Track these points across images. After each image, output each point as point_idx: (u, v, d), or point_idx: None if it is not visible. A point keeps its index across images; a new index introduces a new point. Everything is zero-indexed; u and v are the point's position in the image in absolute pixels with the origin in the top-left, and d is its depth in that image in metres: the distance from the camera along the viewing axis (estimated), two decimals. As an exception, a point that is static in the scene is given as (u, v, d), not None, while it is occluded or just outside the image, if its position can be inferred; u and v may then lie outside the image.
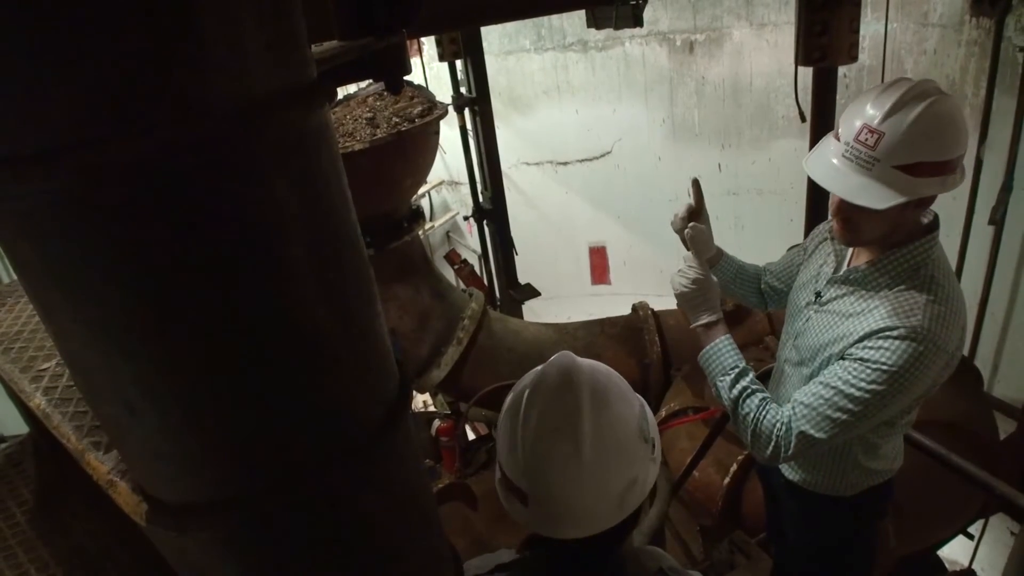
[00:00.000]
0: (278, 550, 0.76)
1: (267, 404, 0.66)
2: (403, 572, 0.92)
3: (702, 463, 2.87)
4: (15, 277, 1.38)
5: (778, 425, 1.61)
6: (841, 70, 2.95)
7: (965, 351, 2.64)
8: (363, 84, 3.34)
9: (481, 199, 5.04)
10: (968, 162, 4.13)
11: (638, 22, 3.09)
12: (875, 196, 1.45)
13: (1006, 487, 1.92)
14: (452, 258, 4.91)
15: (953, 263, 4.36)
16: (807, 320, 1.75)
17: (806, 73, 2.90)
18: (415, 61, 5.59)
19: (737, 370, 1.71)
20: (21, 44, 0.47)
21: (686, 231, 1.93)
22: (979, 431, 2.81)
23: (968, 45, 4.66)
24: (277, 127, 0.59)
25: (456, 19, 2.77)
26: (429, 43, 6.15)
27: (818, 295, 1.74)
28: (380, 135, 2.95)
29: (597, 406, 1.06)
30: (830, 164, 1.52)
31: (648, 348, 3.65)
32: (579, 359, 1.13)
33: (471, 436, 3.98)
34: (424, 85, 3.61)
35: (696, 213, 1.96)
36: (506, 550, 1.28)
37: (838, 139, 1.51)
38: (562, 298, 7.43)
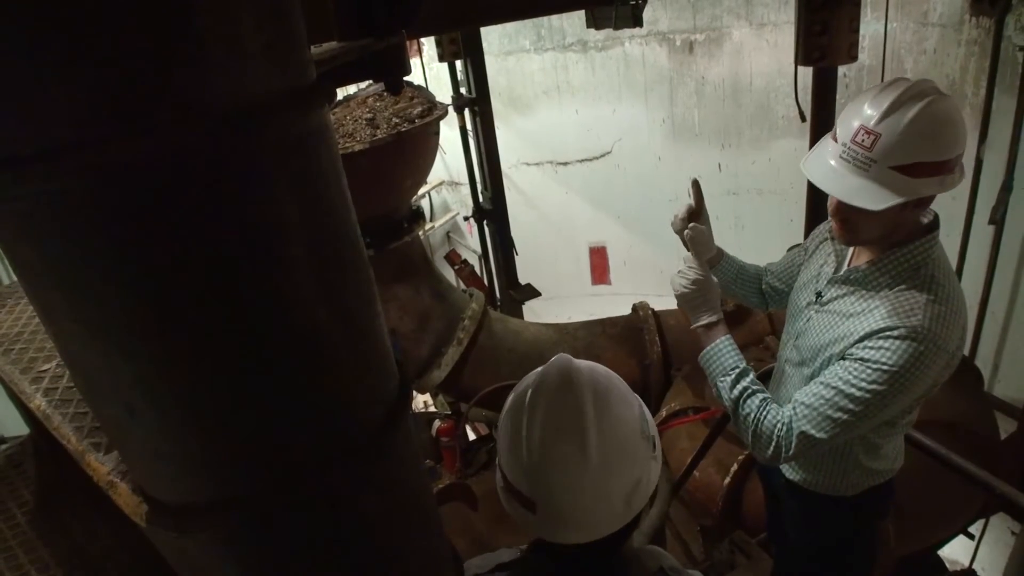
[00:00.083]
0: (278, 550, 0.76)
1: (267, 404, 0.66)
2: (403, 572, 0.92)
3: (703, 463, 2.87)
4: (15, 278, 1.38)
5: (779, 425, 1.61)
6: (841, 70, 2.96)
7: (966, 351, 2.64)
8: (363, 85, 3.34)
9: (481, 199, 5.04)
10: (968, 162, 4.13)
11: (638, 22, 3.08)
12: (872, 197, 1.45)
13: (1006, 487, 1.92)
14: (452, 258, 4.91)
15: (953, 263, 4.36)
16: (808, 320, 1.75)
17: (806, 73, 2.90)
18: (415, 62, 5.59)
19: (738, 370, 1.71)
20: (21, 45, 0.47)
21: (686, 232, 1.93)
22: (980, 431, 2.81)
23: (968, 44, 4.66)
24: (277, 128, 0.59)
25: (456, 19, 2.77)
26: (429, 43, 6.16)
27: (819, 295, 1.74)
28: (380, 136, 2.96)
29: (600, 409, 1.06)
30: (828, 165, 1.52)
31: (648, 348, 3.65)
32: (577, 361, 1.13)
33: (471, 436, 3.98)
34: (424, 86, 3.61)
35: (696, 214, 1.96)
36: (506, 549, 1.27)
37: (835, 140, 1.51)
38: (562, 298, 7.43)
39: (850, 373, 1.52)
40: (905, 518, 2.49)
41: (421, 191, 6.54)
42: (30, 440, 1.62)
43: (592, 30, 3.44)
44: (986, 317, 4.54)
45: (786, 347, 1.90)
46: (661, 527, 2.58)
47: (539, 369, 1.14)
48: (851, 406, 1.52)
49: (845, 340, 1.57)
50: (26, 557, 1.32)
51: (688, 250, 1.90)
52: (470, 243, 7.45)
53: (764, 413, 1.64)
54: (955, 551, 3.46)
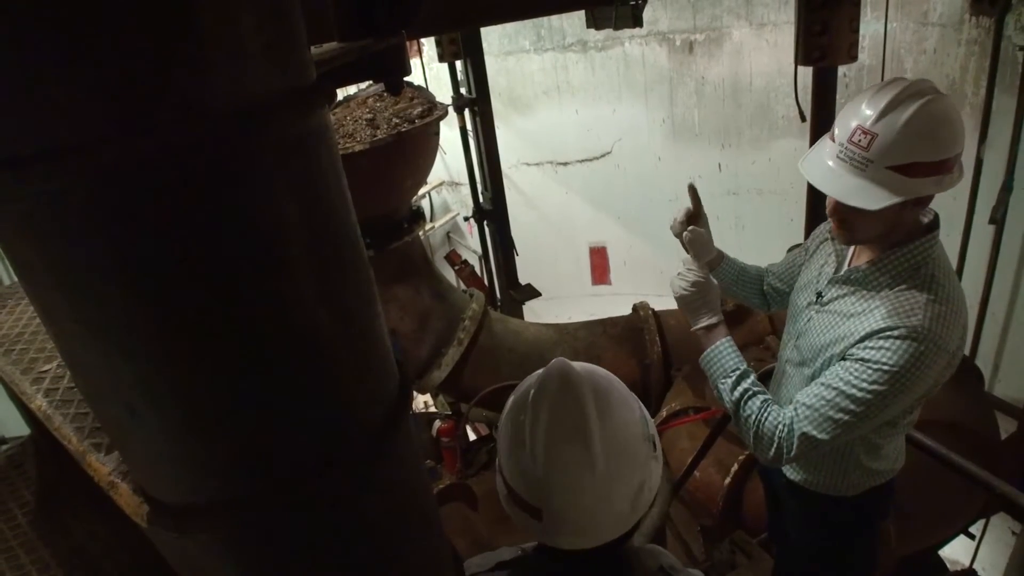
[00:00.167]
0: (278, 551, 0.76)
1: (267, 405, 0.66)
2: (403, 573, 0.92)
3: (703, 463, 2.87)
4: (16, 279, 1.38)
5: (780, 427, 1.61)
6: (841, 70, 2.96)
7: (966, 351, 2.64)
8: (363, 85, 3.35)
9: (481, 200, 5.04)
10: (968, 162, 4.13)
11: (637, 22, 3.09)
12: (869, 197, 1.45)
13: (1007, 487, 1.92)
14: (452, 259, 4.92)
15: (954, 263, 4.36)
16: (808, 320, 1.75)
17: (806, 73, 2.90)
18: (415, 62, 5.59)
19: (738, 372, 1.70)
20: (21, 45, 0.47)
21: (684, 234, 1.94)
22: (980, 431, 2.81)
23: (968, 44, 4.66)
24: (277, 128, 0.59)
25: (456, 20, 2.77)
26: (429, 44, 6.16)
27: (819, 295, 1.74)
28: (380, 136, 2.96)
29: (602, 413, 1.05)
30: (825, 166, 1.52)
31: (649, 348, 3.65)
32: (575, 365, 1.12)
33: (472, 437, 3.98)
34: (424, 86, 3.61)
35: (695, 217, 1.96)
36: (507, 548, 1.27)
37: (833, 140, 1.51)
38: (562, 298, 7.43)
39: (851, 374, 1.52)
40: (906, 518, 2.49)
41: (421, 191, 6.54)
42: (31, 440, 1.62)
43: (592, 30, 3.44)
44: (986, 317, 4.54)
45: (787, 347, 1.90)
46: (662, 527, 2.58)
47: (537, 374, 1.13)
48: (852, 407, 1.52)
49: (845, 341, 1.57)
50: (27, 557, 1.32)
51: (688, 253, 1.90)
52: (470, 243, 7.45)
53: (765, 415, 1.63)
54: (956, 551, 3.47)
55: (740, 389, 1.68)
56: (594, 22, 3.31)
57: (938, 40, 4.96)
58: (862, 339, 1.53)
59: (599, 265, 8.20)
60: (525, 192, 7.79)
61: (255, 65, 0.57)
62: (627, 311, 3.92)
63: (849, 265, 1.70)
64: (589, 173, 7.61)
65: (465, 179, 5.26)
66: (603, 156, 7.48)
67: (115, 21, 0.49)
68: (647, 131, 7.17)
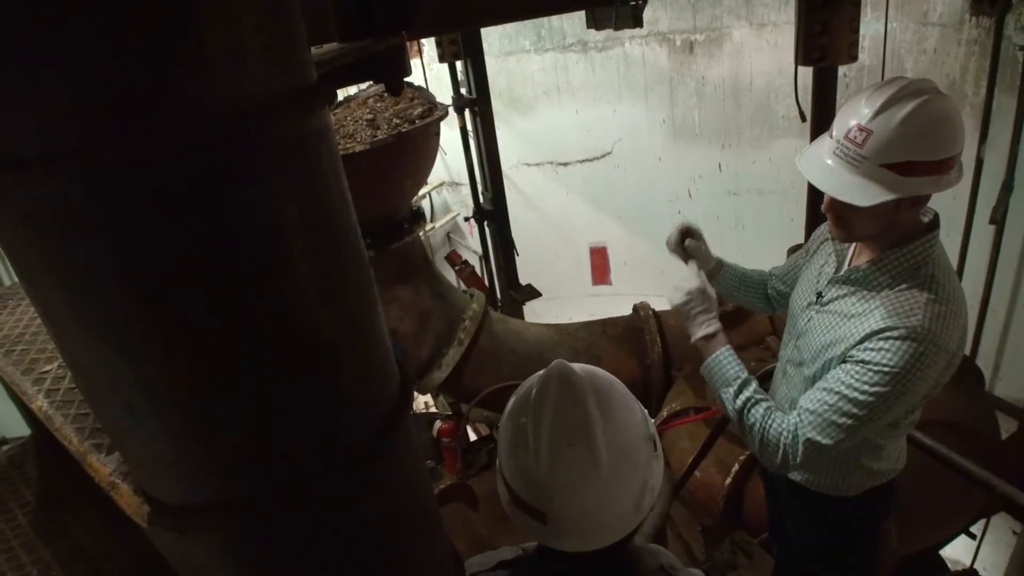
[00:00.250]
0: (279, 551, 0.76)
1: (267, 405, 0.66)
2: (404, 573, 0.92)
3: (704, 463, 2.87)
4: (16, 279, 1.38)
5: (784, 433, 1.60)
6: (841, 70, 2.96)
7: (967, 351, 2.64)
8: (364, 85, 3.35)
9: (482, 200, 5.04)
10: (968, 161, 4.13)
11: (638, 22, 3.09)
12: (861, 194, 1.45)
13: (1008, 486, 1.92)
14: (453, 259, 4.91)
15: (954, 262, 4.36)
16: (808, 320, 1.75)
17: (806, 73, 2.90)
18: (415, 62, 5.59)
19: (740, 381, 1.70)
20: (21, 47, 0.47)
21: (687, 242, 1.95)
22: (981, 430, 2.81)
23: (968, 44, 4.65)
24: (277, 128, 0.59)
25: (456, 20, 2.77)
26: (429, 44, 6.16)
27: (819, 295, 1.74)
28: (380, 136, 2.96)
29: (605, 414, 1.05)
30: (822, 162, 1.53)
31: (649, 348, 3.65)
32: (575, 366, 1.12)
33: (472, 437, 3.98)
34: (424, 86, 3.61)
35: (689, 232, 2.00)
36: (508, 547, 1.27)
37: (831, 137, 1.52)
38: (563, 299, 7.43)
39: (852, 377, 1.52)
40: (907, 518, 2.49)
41: (422, 192, 6.54)
42: (32, 441, 1.62)
43: (592, 30, 3.44)
44: (987, 316, 4.54)
45: (787, 347, 1.90)
46: (662, 527, 2.58)
47: (537, 376, 1.13)
48: (855, 410, 1.52)
49: (846, 342, 1.57)
50: (28, 557, 1.33)
51: (686, 264, 1.92)
52: (471, 244, 7.45)
53: (769, 422, 1.63)
54: (957, 551, 3.46)
55: (742, 398, 1.68)
56: (594, 22, 3.31)
57: (938, 40, 4.96)
58: (862, 340, 1.53)
59: (599, 265, 8.20)
60: (525, 192, 7.79)
61: (255, 65, 0.57)
62: (627, 311, 3.92)
63: (849, 265, 1.70)
64: (589, 173, 7.61)
65: (465, 179, 5.26)
66: (603, 156, 7.49)
67: (115, 21, 0.49)
68: (647, 131, 7.17)
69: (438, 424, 3.49)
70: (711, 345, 1.76)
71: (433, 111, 3.21)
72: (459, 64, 4.61)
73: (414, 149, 3.16)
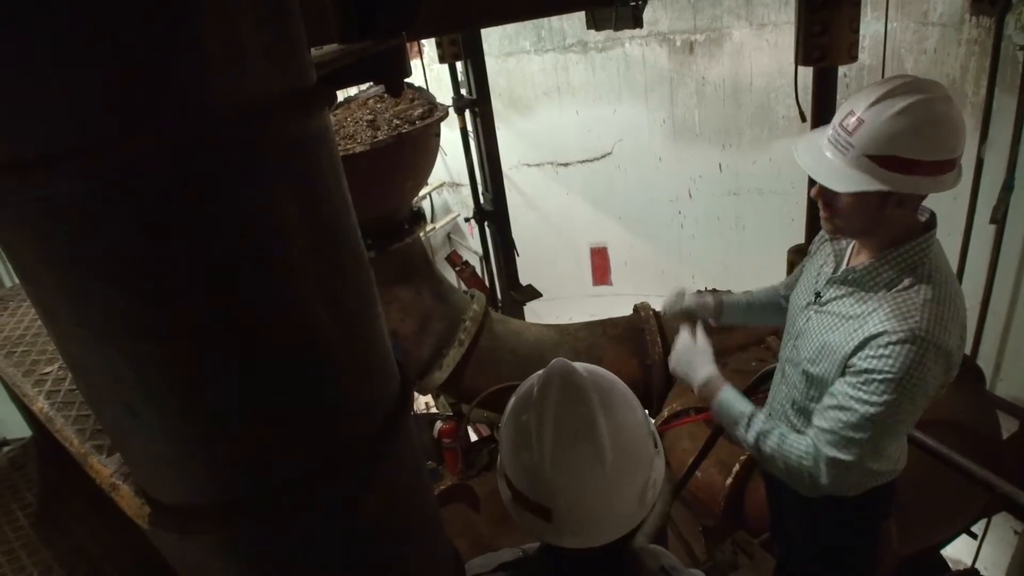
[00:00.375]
0: (280, 552, 0.76)
1: (268, 406, 0.66)
2: (404, 574, 0.92)
3: (704, 463, 2.87)
4: (17, 281, 1.39)
5: (804, 456, 1.61)
6: (841, 69, 2.95)
7: (967, 350, 2.63)
8: (364, 86, 3.35)
9: (482, 200, 5.05)
10: (969, 161, 4.13)
11: (638, 23, 3.09)
12: (840, 179, 1.47)
13: (1008, 486, 1.92)
14: (453, 260, 4.92)
15: (955, 262, 4.36)
16: (807, 320, 1.75)
17: (806, 73, 2.90)
18: (415, 63, 5.60)
19: (745, 417, 1.72)
20: (22, 49, 0.47)
21: (687, 299, 2.05)
22: (982, 430, 2.81)
23: (968, 44, 4.65)
24: (277, 129, 0.59)
25: (456, 21, 2.78)
26: (429, 45, 6.16)
27: (818, 295, 1.74)
28: (381, 137, 2.96)
29: (607, 411, 1.06)
30: (815, 147, 1.55)
31: (650, 349, 3.65)
32: (576, 365, 1.12)
33: (473, 437, 3.98)
34: (424, 87, 3.61)
35: (682, 295, 2.07)
36: (508, 549, 1.27)
37: (831, 125, 1.54)
38: (563, 299, 7.43)
39: (859, 390, 1.52)
40: (908, 518, 2.48)
41: (422, 192, 6.55)
42: (32, 442, 1.62)
43: (592, 31, 3.44)
44: (988, 316, 4.53)
45: (786, 347, 1.90)
46: (663, 527, 2.58)
47: (538, 375, 1.13)
48: (868, 423, 1.52)
49: (845, 345, 1.57)
50: (29, 559, 1.33)
51: (685, 324, 1.99)
52: (471, 244, 7.45)
53: (786, 449, 1.64)
54: (958, 551, 3.46)
55: (752, 433, 1.70)
56: (594, 23, 3.31)
57: (938, 40, 4.96)
58: (862, 345, 1.53)
59: (600, 266, 8.20)
60: (526, 193, 7.79)
61: (255, 66, 0.57)
62: (628, 312, 3.92)
63: (847, 265, 1.70)
64: (590, 174, 7.61)
65: (466, 180, 5.26)
66: (604, 157, 7.49)
67: (115, 23, 0.49)
68: (647, 131, 7.17)
69: (439, 425, 3.49)
70: (710, 389, 1.81)
71: (433, 112, 3.21)
72: (459, 65, 4.62)
73: (414, 150, 3.16)
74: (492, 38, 6.83)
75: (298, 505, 0.71)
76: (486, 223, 5.11)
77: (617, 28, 3.15)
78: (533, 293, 5.01)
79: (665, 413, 3.28)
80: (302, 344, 0.66)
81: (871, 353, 1.50)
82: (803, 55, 2.80)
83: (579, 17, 4.17)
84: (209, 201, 0.56)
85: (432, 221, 7.88)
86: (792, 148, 1.61)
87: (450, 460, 3.47)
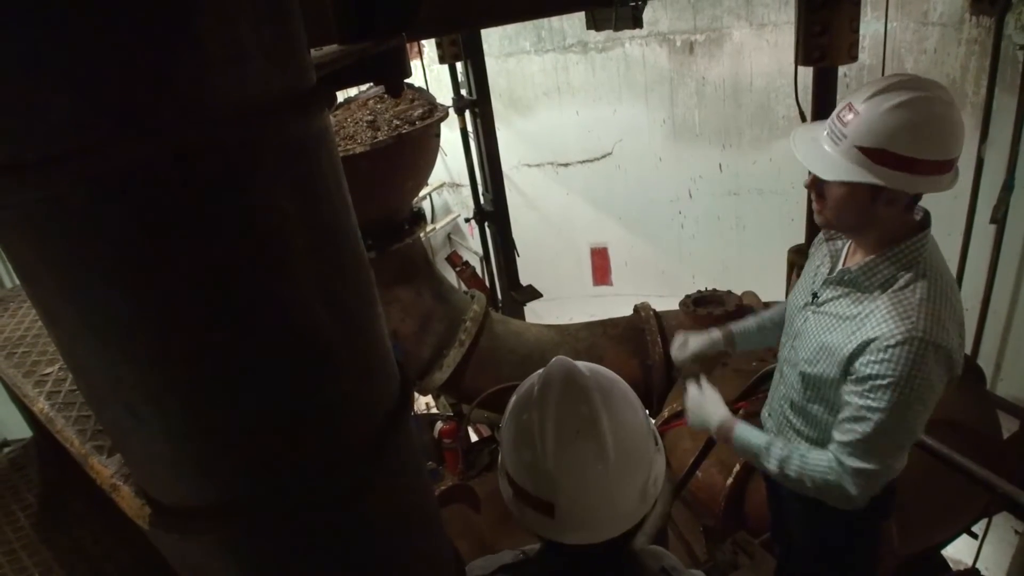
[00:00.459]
0: (280, 553, 0.76)
1: (267, 407, 0.67)
2: (405, 574, 0.92)
3: (705, 463, 2.87)
4: (17, 282, 1.39)
5: (828, 472, 1.61)
6: (841, 69, 2.95)
7: (968, 350, 2.63)
8: (364, 87, 3.35)
9: (482, 201, 5.05)
10: (969, 161, 4.13)
11: (638, 23, 3.09)
12: (828, 167, 1.49)
13: (1009, 486, 1.92)
14: (454, 260, 4.92)
15: (955, 262, 4.36)
16: (805, 321, 1.75)
17: (806, 73, 2.90)
18: (415, 64, 5.60)
19: (763, 448, 1.74)
20: (23, 50, 0.48)
21: (693, 343, 2.09)
22: (982, 430, 2.81)
23: (968, 44, 4.65)
24: (277, 130, 0.60)
25: (456, 22, 2.78)
26: (429, 45, 6.16)
27: (815, 296, 1.74)
28: (381, 138, 2.96)
29: (608, 407, 1.06)
30: (812, 136, 1.56)
31: (650, 349, 3.65)
32: (577, 363, 1.13)
33: (474, 438, 3.98)
34: (424, 87, 3.61)
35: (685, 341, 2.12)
36: (509, 551, 1.27)
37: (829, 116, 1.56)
38: (564, 299, 7.43)
39: (867, 398, 1.52)
40: (908, 518, 2.48)
41: (422, 193, 6.55)
42: (33, 443, 1.62)
43: (592, 31, 3.44)
44: (988, 316, 4.53)
45: (784, 347, 1.90)
46: (664, 527, 2.58)
47: (538, 373, 1.14)
48: (882, 428, 1.52)
49: (844, 347, 1.57)
50: (30, 559, 1.33)
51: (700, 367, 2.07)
52: (471, 245, 7.45)
53: (809, 469, 1.65)
54: (959, 551, 3.46)
55: (774, 462, 1.71)
56: (594, 23, 3.31)
57: (938, 40, 4.95)
58: (861, 348, 1.53)
59: (600, 266, 8.20)
60: (526, 193, 7.79)
61: (255, 67, 0.57)
62: (628, 312, 3.92)
63: (842, 266, 1.71)
64: (590, 174, 7.61)
65: (466, 180, 5.26)
66: (604, 157, 7.48)
67: (115, 24, 0.49)
68: (648, 132, 7.17)
69: (439, 425, 3.49)
70: (725, 431, 1.84)
71: (433, 112, 3.21)
72: (459, 65, 4.62)
73: (414, 150, 3.16)
74: (492, 38, 6.83)
75: (298, 505, 0.71)
76: (486, 223, 5.11)
77: (617, 28, 3.15)
78: (533, 293, 5.01)
79: (666, 413, 3.27)
80: (302, 344, 0.66)
81: (872, 359, 1.50)
82: (803, 55, 2.79)
83: (579, 17, 4.17)
84: (209, 201, 0.56)
85: (432, 221, 7.88)
86: (792, 137, 1.62)
87: (450, 460, 3.47)
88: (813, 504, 1.93)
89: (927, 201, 1.59)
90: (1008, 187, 4.13)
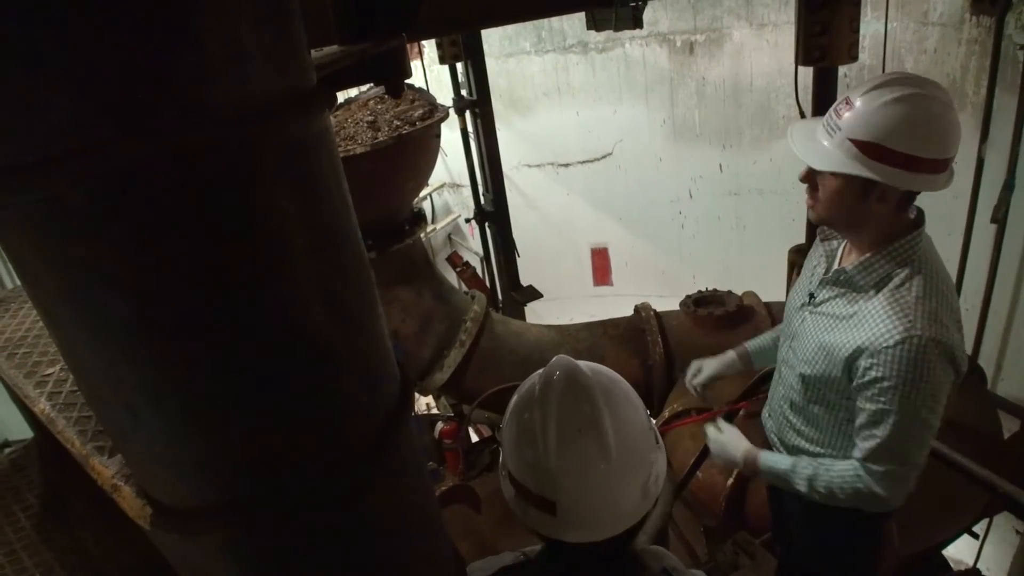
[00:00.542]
0: (280, 553, 0.76)
1: (269, 407, 0.67)
2: (405, 575, 0.92)
3: (706, 463, 2.87)
4: (18, 282, 1.39)
5: (857, 482, 1.62)
6: (841, 69, 2.95)
7: (968, 350, 2.63)
8: (364, 87, 3.35)
9: (483, 201, 5.05)
10: (969, 160, 4.12)
11: (638, 23, 3.09)
12: (819, 157, 1.50)
13: (1010, 486, 1.92)
14: (454, 260, 4.92)
15: (955, 262, 4.35)
16: (802, 321, 1.76)
17: (806, 73, 2.90)
18: (415, 64, 5.60)
19: (789, 471, 1.76)
20: (23, 51, 0.48)
21: (707, 367, 2.15)
22: (983, 430, 2.81)
23: (968, 43, 4.65)
24: (278, 130, 0.60)
25: (456, 22, 2.78)
26: (430, 46, 6.16)
27: (811, 296, 1.75)
28: (381, 138, 2.96)
29: (610, 405, 1.07)
30: (809, 130, 1.57)
31: (651, 349, 3.65)
32: (578, 362, 1.13)
33: (474, 438, 3.98)
34: (425, 88, 3.61)
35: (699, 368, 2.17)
36: (509, 552, 1.27)
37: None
38: (564, 300, 7.43)
39: (877, 402, 1.53)
40: (908, 518, 2.48)
41: (422, 193, 6.55)
42: (34, 444, 1.62)
43: (592, 32, 3.44)
44: (989, 316, 4.53)
45: (783, 348, 1.90)
46: (664, 528, 2.58)
47: (539, 373, 1.14)
48: (899, 429, 1.52)
49: (843, 346, 1.57)
50: (30, 560, 1.33)
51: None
52: (472, 245, 7.45)
53: (835, 481, 1.66)
54: (960, 550, 3.46)
55: (803, 482, 1.72)
56: (594, 24, 3.31)
57: (938, 40, 4.95)
58: (860, 349, 1.52)
59: (600, 266, 8.20)
60: (526, 193, 7.78)
61: (255, 67, 0.57)
62: (629, 312, 3.92)
63: (838, 266, 1.71)
64: (590, 174, 7.61)
65: (466, 181, 5.26)
66: (604, 157, 7.48)
67: (115, 24, 0.49)
68: (648, 132, 7.16)
69: (440, 426, 3.49)
70: (750, 463, 1.86)
71: (434, 113, 3.21)
72: (460, 66, 4.62)
73: (415, 151, 3.16)
74: (492, 39, 6.83)
75: (298, 505, 0.71)
76: (487, 224, 5.11)
77: (617, 29, 3.15)
78: (534, 294, 5.01)
79: (666, 413, 3.27)
80: (302, 344, 0.66)
81: (874, 360, 1.50)
82: (803, 55, 2.79)
83: (579, 18, 4.17)
84: (209, 201, 0.57)
85: (433, 222, 7.88)
86: (790, 129, 1.63)
87: (451, 461, 3.47)
88: (814, 504, 1.93)
89: (927, 201, 1.58)
90: (1008, 187, 4.12)
